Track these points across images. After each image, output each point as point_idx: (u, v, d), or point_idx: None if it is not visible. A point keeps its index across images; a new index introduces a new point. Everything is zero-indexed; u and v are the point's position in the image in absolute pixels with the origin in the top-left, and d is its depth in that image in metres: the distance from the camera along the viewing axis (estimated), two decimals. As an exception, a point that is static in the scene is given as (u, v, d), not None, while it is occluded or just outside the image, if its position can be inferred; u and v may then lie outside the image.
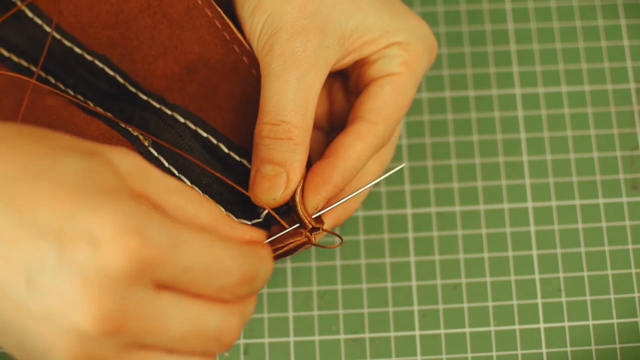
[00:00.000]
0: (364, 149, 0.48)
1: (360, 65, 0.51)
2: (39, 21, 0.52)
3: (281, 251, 0.47)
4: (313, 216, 0.47)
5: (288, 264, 0.57)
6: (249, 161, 0.50)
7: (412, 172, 0.59)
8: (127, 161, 0.38)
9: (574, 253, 0.57)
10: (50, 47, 0.52)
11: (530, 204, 0.58)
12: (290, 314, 0.56)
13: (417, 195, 0.58)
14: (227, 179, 0.48)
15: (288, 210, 0.48)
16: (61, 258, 0.34)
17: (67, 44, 0.52)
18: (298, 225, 0.47)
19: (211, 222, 0.39)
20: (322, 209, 0.48)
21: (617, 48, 0.61)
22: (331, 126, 0.54)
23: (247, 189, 0.48)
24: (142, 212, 0.35)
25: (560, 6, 0.62)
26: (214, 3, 0.50)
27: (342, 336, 0.55)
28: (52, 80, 0.52)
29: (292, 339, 0.55)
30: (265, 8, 0.48)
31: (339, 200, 0.49)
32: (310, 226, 0.47)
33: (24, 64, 0.52)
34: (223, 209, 0.48)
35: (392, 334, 0.55)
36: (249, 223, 0.48)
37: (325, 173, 0.47)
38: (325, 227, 0.49)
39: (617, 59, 0.61)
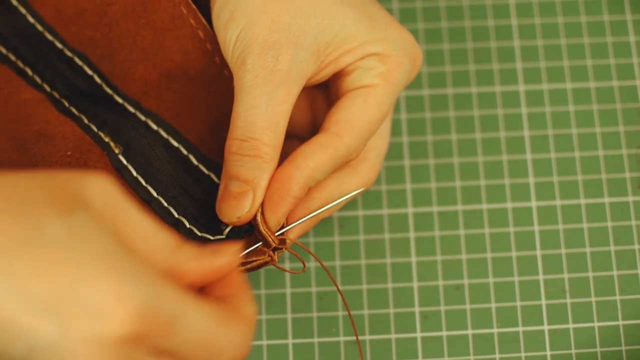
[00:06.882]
0: (324, 160, 0.48)
1: (337, 77, 0.50)
2: (22, 10, 0.52)
3: (243, 268, 0.47)
4: (277, 233, 0.48)
5: (287, 264, 0.57)
6: (217, 175, 0.50)
7: (413, 170, 0.58)
8: (98, 193, 0.38)
9: (579, 253, 0.57)
10: (32, 39, 0.52)
11: (534, 203, 0.58)
12: (289, 316, 0.56)
13: (419, 194, 0.58)
14: (194, 191, 0.49)
15: (251, 228, 0.48)
16: (60, 332, 0.35)
17: (49, 37, 0.52)
18: (261, 243, 0.47)
19: (178, 259, 0.39)
20: (287, 223, 0.49)
21: (623, 44, 0.61)
22: None
23: (214, 203, 0.48)
24: (137, 276, 0.36)
25: (565, 1, 0.62)
26: (199, 13, 0.50)
27: (341, 338, 0.55)
28: (30, 73, 0.52)
29: (290, 341, 0.55)
30: (238, 20, 0.47)
31: (304, 216, 0.50)
32: (274, 245, 0.47)
33: (3, 51, 0.52)
34: (187, 222, 0.48)
35: (392, 335, 0.55)
36: (212, 238, 0.48)
37: (282, 187, 0.47)
38: (291, 237, 0.49)
39: (623, 55, 0.61)
